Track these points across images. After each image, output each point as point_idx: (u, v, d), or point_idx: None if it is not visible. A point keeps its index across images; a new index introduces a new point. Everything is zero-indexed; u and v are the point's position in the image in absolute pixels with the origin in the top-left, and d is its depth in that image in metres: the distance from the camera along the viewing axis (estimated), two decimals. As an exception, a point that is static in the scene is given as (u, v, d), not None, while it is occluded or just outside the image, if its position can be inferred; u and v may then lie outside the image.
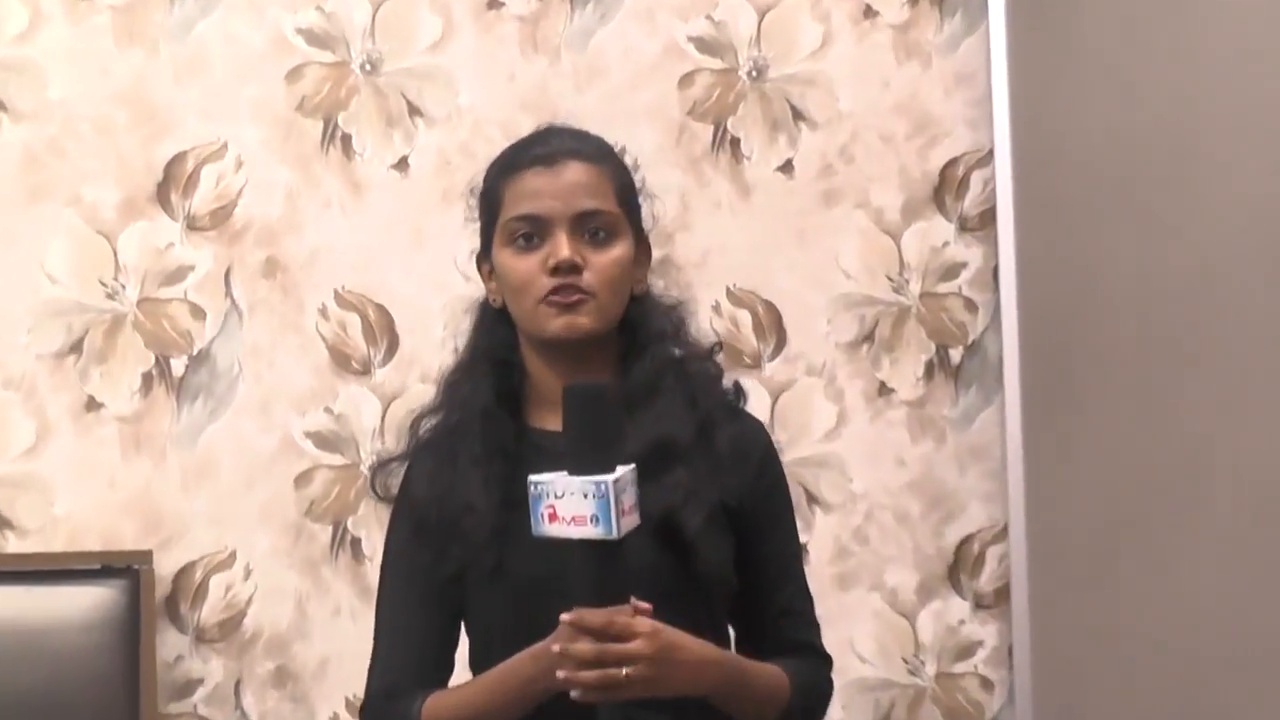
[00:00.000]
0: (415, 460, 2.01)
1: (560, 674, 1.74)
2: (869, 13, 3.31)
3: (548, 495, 1.67)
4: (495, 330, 1.99)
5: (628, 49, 3.22)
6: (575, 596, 1.72)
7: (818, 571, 3.16)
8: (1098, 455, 2.98)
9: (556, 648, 1.74)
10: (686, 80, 3.26)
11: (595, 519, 1.64)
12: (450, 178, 3.11)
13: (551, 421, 1.90)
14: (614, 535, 1.65)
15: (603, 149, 1.99)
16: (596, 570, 1.69)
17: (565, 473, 1.68)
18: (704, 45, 3.26)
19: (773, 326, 3.27)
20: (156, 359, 3.07)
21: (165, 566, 3.03)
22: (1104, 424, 2.96)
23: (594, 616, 1.71)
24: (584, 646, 1.72)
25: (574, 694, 1.75)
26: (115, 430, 3.05)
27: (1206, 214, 2.65)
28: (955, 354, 3.34)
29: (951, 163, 3.33)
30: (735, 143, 3.27)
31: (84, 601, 2.89)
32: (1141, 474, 2.85)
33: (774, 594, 2.01)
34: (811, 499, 3.25)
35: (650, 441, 1.89)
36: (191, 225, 3.08)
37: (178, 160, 3.09)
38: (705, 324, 3.03)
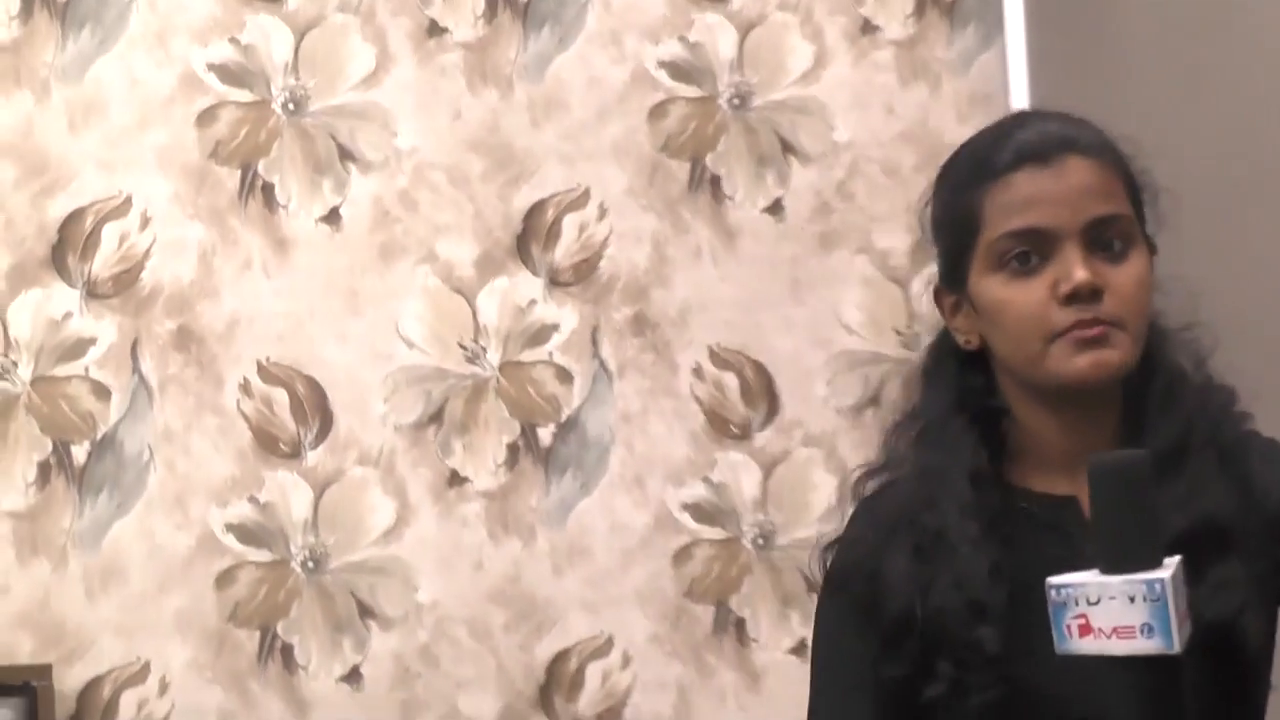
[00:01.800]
0: (867, 541, 1.79)
1: None
2: (867, 28, 3.26)
3: (1076, 602, 1.46)
4: (964, 375, 1.81)
5: (591, 78, 3.17)
6: None
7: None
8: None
9: None
10: (659, 111, 3.20)
11: (1148, 629, 1.44)
12: (389, 231, 3.06)
13: (1039, 481, 1.76)
14: (1173, 648, 1.44)
15: (1102, 135, 1.77)
16: (1150, 696, 1.48)
17: (1095, 571, 1.46)
18: (678, 71, 3.20)
19: (763, 391, 3.19)
20: (54, 446, 3.02)
21: (67, 683, 2.97)
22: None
23: None
24: None
25: None
26: (8, 529, 2.99)
27: (1266, 242, 2.65)
28: (975, 417, 3.24)
29: (967, 198, 3.28)
30: (716, 181, 3.22)
31: (-28, 726, 2.87)
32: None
33: None
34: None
35: (1189, 524, 1.65)
36: (92, 292, 3.04)
37: (74, 218, 3.04)
38: (685, 389, 3.12)
